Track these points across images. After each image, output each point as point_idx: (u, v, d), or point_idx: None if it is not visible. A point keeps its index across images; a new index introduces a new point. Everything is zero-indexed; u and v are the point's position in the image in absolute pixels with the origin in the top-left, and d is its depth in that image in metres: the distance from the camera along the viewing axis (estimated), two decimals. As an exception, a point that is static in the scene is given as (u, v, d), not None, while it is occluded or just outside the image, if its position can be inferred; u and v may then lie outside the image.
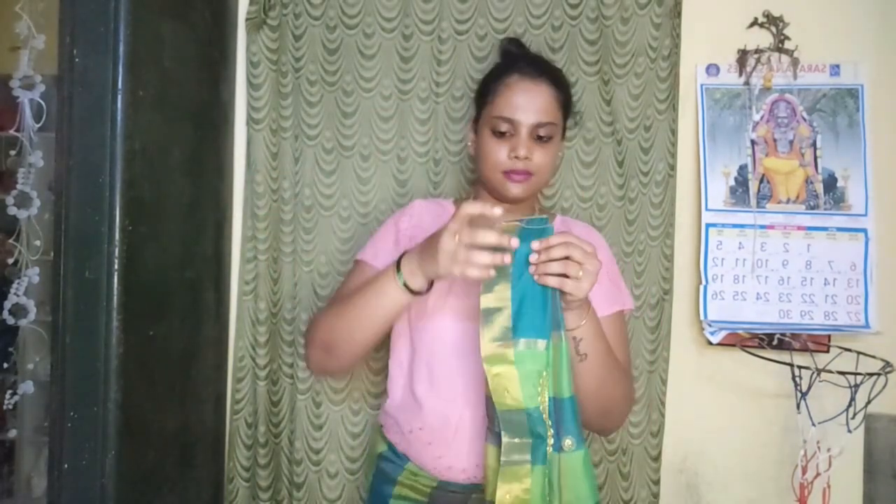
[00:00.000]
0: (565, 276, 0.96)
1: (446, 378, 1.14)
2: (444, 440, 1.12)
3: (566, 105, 1.23)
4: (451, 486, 1.14)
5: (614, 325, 1.18)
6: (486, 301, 0.99)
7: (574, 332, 1.03)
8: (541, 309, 0.98)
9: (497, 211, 0.96)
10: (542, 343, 0.97)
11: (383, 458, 1.23)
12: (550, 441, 0.98)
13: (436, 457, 1.13)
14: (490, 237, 0.95)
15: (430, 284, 1.06)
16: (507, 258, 0.96)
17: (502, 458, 0.97)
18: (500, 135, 1.16)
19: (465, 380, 1.12)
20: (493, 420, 1.01)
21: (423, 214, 1.25)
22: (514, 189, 1.17)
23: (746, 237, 1.48)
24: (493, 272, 0.97)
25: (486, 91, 1.23)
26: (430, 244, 1.00)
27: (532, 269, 0.98)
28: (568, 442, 0.99)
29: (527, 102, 1.16)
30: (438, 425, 1.13)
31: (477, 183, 1.30)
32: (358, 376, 1.49)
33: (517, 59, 1.24)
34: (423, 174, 1.47)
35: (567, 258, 0.96)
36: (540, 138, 1.17)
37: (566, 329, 1.01)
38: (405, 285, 1.04)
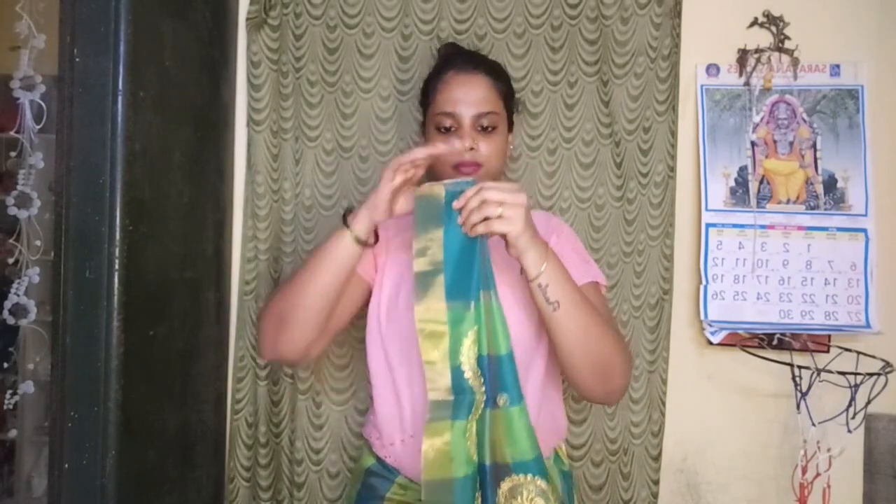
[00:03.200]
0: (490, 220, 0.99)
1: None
2: None
3: (507, 95, 1.23)
4: None
5: (591, 295, 1.14)
6: (420, 265, 1.02)
7: (538, 279, 1.00)
8: (469, 270, 1.00)
9: (441, 146, 1.07)
10: (470, 304, 1.00)
11: (371, 474, 1.20)
12: (482, 397, 1.01)
13: None
14: (418, 153, 1.02)
15: (376, 236, 1.10)
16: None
17: (427, 416, 1.01)
18: (445, 130, 1.17)
19: None
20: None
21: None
22: None
23: (746, 237, 1.48)
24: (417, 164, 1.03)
25: (426, 92, 1.24)
26: (370, 194, 1.06)
27: (462, 227, 1.00)
28: (502, 399, 1.00)
29: (465, 95, 1.16)
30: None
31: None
32: (361, 376, 1.49)
33: (452, 57, 1.26)
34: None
35: (484, 202, 0.98)
36: (484, 129, 1.17)
37: (531, 279, 1.02)
38: (352, 234, 1.06)
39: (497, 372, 1.01)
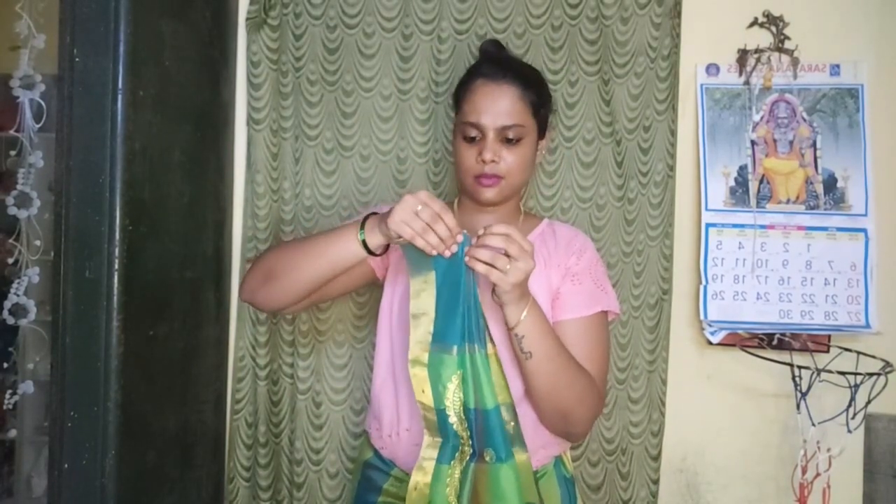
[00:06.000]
0: (493, 266, 1.00)
1: None
2: None
3: (538, 104, 1.20)
4: None
5: (592, 326, 1.17)
6: (414, 307, 1.05)
7: (515, 328, 1.05)
8: (455, 317, 1.02)
9: (459, 235, 1.03)
10: (452, 349, 1.02)
11: (369, 466, 1.22)
12: (468, 449, 1.03)
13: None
14: (451, 219, 1.01)
15: (386, 249, 1.09)
16: (454, 248, 1.02)
17: (420, 453, 1.05)
18: (470, 140, 1.17)
19: None
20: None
21: None
22: (486, 193, 1.18)
23: (746, 237, 1.48)
24: (434, 252, 1.01)
25: (457, 96, 1.23)
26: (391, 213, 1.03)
27: (466, 258, 1.02)
28: (488, 455, 1.02)
29: (490, 105, 1.15)
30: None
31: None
32: (359, 376, 1.49)
33: (482, 62, 1.24)
34: (423, 174, 1.47)
35: (504, 252, 1.00)
36: (508, 140, 1.16)
37: (509, 326, 1.05)
38: (363, 240, 1.07)
39: (484, 426, 1.02)
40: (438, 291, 1.04)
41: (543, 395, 1.09)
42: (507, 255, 1.00)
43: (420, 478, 1.04)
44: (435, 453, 1.05)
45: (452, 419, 1.03)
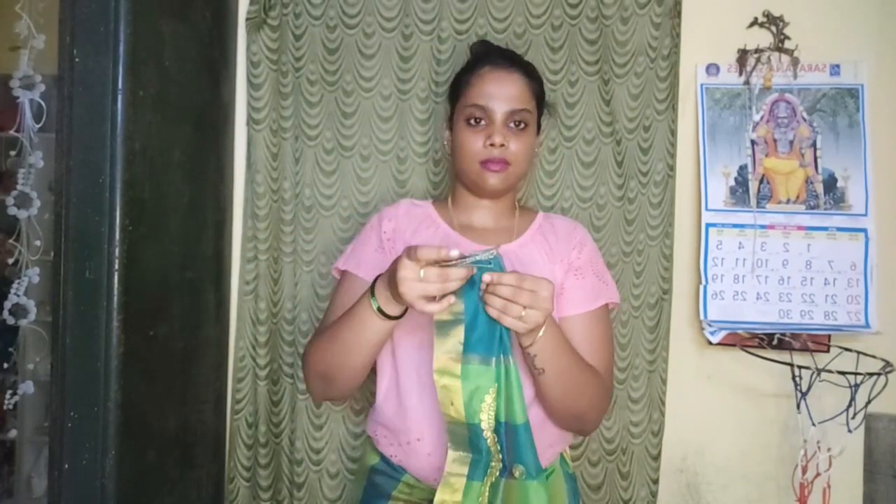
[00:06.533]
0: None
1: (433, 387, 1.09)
2: (443, 450, 1.08)
3: (539, 96, 1.22)
4: None
5: (597, 320, 1.17)
6: (440, 314, 0.98)
7: (528, 348, 1.02)
8: (490, 328, 0.98)
9: (454, 252, 0.94)
10: (490, 360, 0.97)
11: (376, 472, 1.20)
12: (498, 465, 0.99)
13: (436, 468, 1.10)
14: (452, 254, 0.93)
15: (406, 308, 1.03)
16: (474, 269, 0.97)
17: (445, 469, 1.00)
18: (476, 122, 1.16)
19: None
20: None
21: (402, 217, 1.24)
22: (492, 179, 1.16)
23: (746, 237, 1.48)
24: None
25: (458, 85, 1.23)
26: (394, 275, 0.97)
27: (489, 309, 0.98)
28: (518, 471, 0.99)
29: (500, 90, 1.16)
30: (436, 436, 1.11)
31: (455, 180, 1.29)
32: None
33: (488, 53, 1.25)
34: (423, 174, 1.48)
35: (511, 301, 0.96)
36: (516, 125, 1.16)
37: (522, 345, 1.02)
38: (381, 311, 1.02)
39: (513, 442, 0.98)
40: (467, 299, 0.98)
41: (556, 404, 1.09)
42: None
43: (448, 495, 1.00)
44: (464, 469, 1.00)
45: (487, 434, 0.98)
